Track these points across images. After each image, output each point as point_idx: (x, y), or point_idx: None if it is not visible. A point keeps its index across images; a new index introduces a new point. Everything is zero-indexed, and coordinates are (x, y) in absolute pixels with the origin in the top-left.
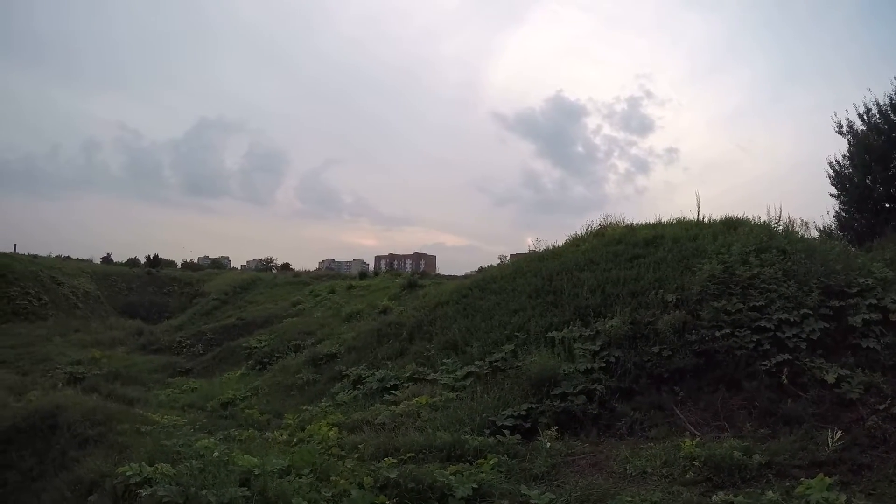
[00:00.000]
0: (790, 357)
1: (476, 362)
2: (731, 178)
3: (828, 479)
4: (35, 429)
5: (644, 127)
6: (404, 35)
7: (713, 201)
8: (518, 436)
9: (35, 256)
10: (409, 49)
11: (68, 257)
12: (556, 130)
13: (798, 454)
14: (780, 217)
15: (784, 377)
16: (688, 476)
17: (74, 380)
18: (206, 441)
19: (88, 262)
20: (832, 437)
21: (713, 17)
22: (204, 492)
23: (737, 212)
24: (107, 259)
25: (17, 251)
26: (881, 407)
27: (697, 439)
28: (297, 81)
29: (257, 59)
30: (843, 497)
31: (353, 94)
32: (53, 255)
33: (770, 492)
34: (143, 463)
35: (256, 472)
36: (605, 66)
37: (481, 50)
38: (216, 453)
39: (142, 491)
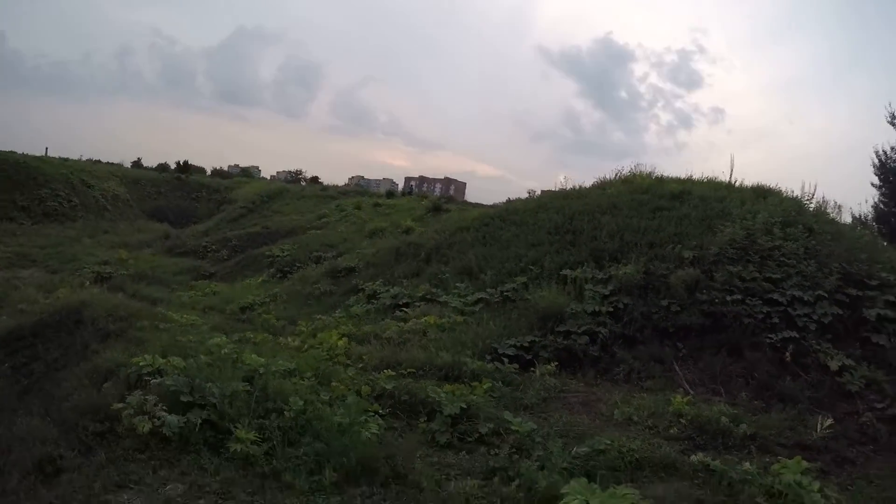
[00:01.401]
0: (797, 336)
1: (488, 289)
2: (774, 148)
3: (805, 463)
4: (61, 323)
5: (692, 82)
6: None
7: (751, 168)
8: (516, 365)
9: (66, 159)
10: None
11: (99, 161)
12: (601, 72)
13: (785, 433)
14: (813, 195)
15: (787, 354)
16: (671, 431)
17: (101, 279)
18: (218, 339)
19: (119, 165)
20: (822, 424)
21: None
22: (209, 384)
23: (772, 181)
24: (137, 164)
25: (48, 154)
26: (879, 405)
27: (689, 397)
28: None
29: None
30: (817, 485)
31: (400, 10)
32: (84, 158)
33: (748, 463)
34: (157, 355)
35: (261, 371)
36: (661, 14)
37: None
38: (225, 350)
39: (153, 380)
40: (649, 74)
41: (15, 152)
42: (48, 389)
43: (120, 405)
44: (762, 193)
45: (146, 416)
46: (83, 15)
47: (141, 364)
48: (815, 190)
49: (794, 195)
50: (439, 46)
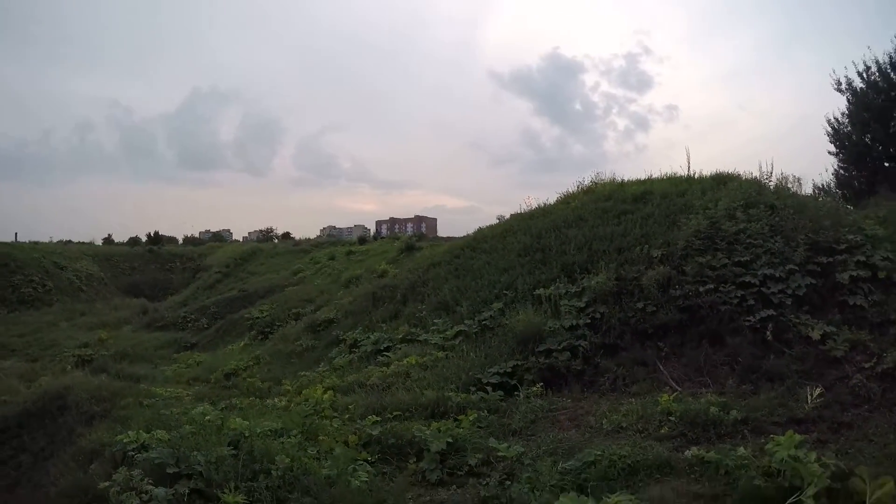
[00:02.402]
0: (775, 313)
1: (465, 321)
2: (731, 137)
3: (797, 437)
4: (45, 411)
5: (643, 83)
6: None
7: (713, 160)
8: (500, 392)
9: (36, 243)
10: (401, 9)
11: (70, 241)
12: (553, 88)
13: (777, 411)
14: (771, 173)
15: (768, 333)
16: (662, 431)
17: (83, 362)
18: (202, 408)
19: (90, 244)
20: (811, 395)
21: None
22: (194, 453)
23: (735, 169)
24: (108, 240)
25: (17, 239)
26: (867, 365)
27: (675, 395)
28: (290, 49)
29: (248, 27)
30: (813, 455)
31: (347, 59)
32: (55, 240)
33: (742, 448)
34: (141, 430)
35: (246, 434)
36: (603, 22)
37: (475, 8)
38: (208, 418)
39: (137, 455)
40: (600, 83)
41: None
42: (36, 479)
43: (106, 483)
44: (722, 181)
45: (133, 492)
46: (37, 93)
47: (125, 441)
48: (772, 168)
49: (754, 177)
50: (392, 87)
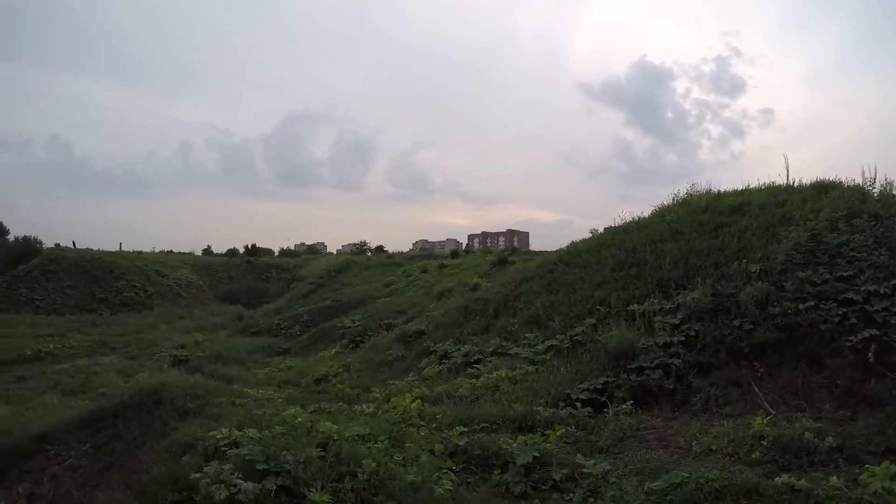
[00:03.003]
0: (878, 333)
1: (557, 336)
2: (829, 137)
3: (893, 468)
4: (141, 404)
5: (735, 88)
6: (480, 13)
7: (812, 165)
8: (589, 408)
9: (139, 252)
10: (487, 26)
11: (171, 251)
12: (643, 97)
13: (874, 439)
14: (874, 178)
15: (870, 355)
16: (753, 455)
17: (179, 362)
18: (293, 410)
19: (190, 254)
20: None
21: None
22: (284, 452)
23: (834, 174)
24: (207, 251)
25: (122, 249)
26: None
27: (769, 418)
28: (379, 69)
29: (335, 53)
30: None
31: (435, 76)
32: (157, 250)
33: (835, 478)
34: (233, 428)
35: (335, 437)
36: (689, 26)
37: (557, 20)
38: (299, 420)
39: (229, 451)
40: (691, 89)
41: (92, 249)
42: (129, 466)
43: (197, 475)
44: (823, 189)
45: (223, 485)
46: (141, 117)
47: (218, 437)
48: (875, 173)
49: (856, 183)
50: (481, 102)
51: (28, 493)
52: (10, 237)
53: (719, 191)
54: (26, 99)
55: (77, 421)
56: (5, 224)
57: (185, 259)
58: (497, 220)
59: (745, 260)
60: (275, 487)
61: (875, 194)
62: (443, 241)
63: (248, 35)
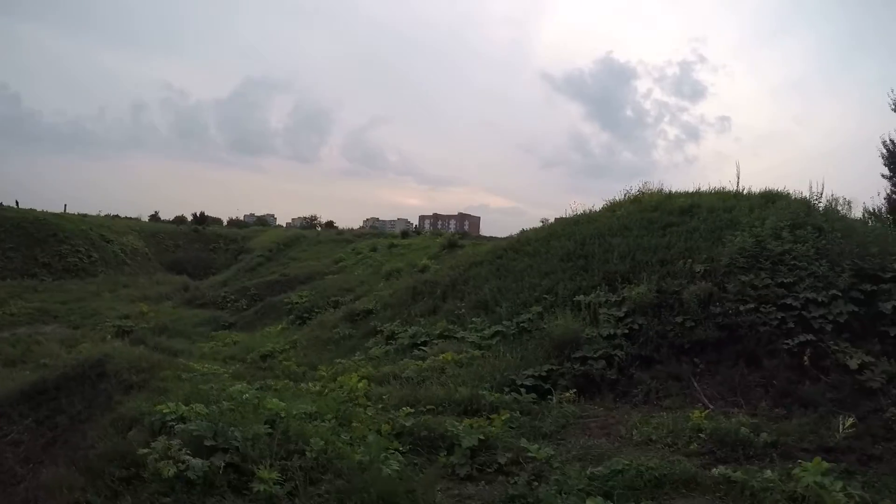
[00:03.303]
0: (814, 338)
1: (504, 322)
2: (784, 151)
3: (825, 464)
4: (84, 376)
5: (696, 93)
6: None
7: (763, 175)
8: (534, 395)
9: (84, 216)
10: (456, 8)
11: (117, 216)
12: (605, 93)
13: (808, 437)
14: (821, 193)
15: (806, 358)
16: (692, 447)
17: (123, 333)
18: (239, 386)
19: (137, 220)
20: (843, 424)
21: None
22: (232, 429)
23: (784, 185)
24: (154, 217)
25: (66, 211)
26: None
27: (707, 412)
28: (343, 42)
29: (302, 20)
30: (840, 484)
31: (400, 54)
32: (102, 213)
33: (769, 471)
34: (180, 403)
35: (282, 415)
36: (658, 28)
37: (528, 9)
38: (245, 396)
39: (176, 426)
40: (653, 90)
41: (35, 210)
42: (73, 441)
43: (145, 451)
44: (770, 199)
45: (171, 461)
46: (95, 72)
47: (165, 411)
48: (822, 188)
49: (803, 196)
50: (443, 85)
51: None
52: None
53: (671, 191)
54: None
55: (18, 393)
56: None
57: (132, 224)
58: (449, 202)
59: (690, 260)
60: (223, 464)
61: (820, 208)
62: (394, 221)
63: None
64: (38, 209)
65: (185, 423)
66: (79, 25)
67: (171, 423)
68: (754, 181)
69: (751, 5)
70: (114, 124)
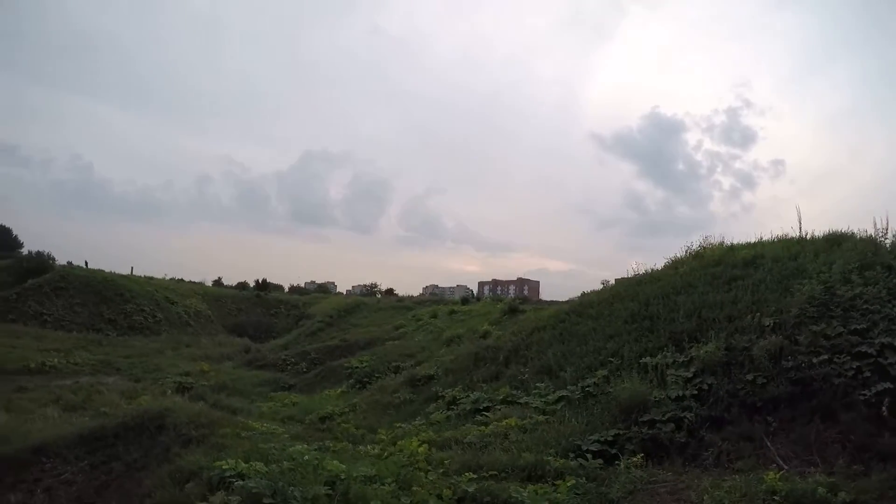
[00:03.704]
0: (892, 386)
1: (568, 387)
2: (840, 187)
3: None
4: (143, 427)
5: (746, 139)
6: (492, 62)
7: (823, 215)
8: (600, 460)
9: (150, 278)
10: (499, 76)
11: (182, 279)
12: (655, 148)
13: (888, 493)
14: (886, 229)
15: (884, 408)
16: None
17: (183, 389)
18: (300, 447)
19: (200, 284)
20: None
21: (808, 16)
22: (291, 488)
23: (845, 224)
24: (218, 282)
25: (134, 273)
26: None
27: (782, 473)
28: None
29: (357, 92)
30: None
31: (449, 124)
32: (168, 277)
33: None
34: (239, 460)
35: (342, 477)
36: (700, 77)
37: (572, 70)
38: (307, 457)
39: (235, 482)
40: (703, 141)
41: (103, 270)
42: (127, 487)
43: None
44: (835, 241)
45: None
46: (163, 146)
47: (224, 467)
48: (887, 224)
49: (869, 235)
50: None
51: None
52: (24, 251)
53: (732, 243)
54: (53, 120)
55: (76, 437)
56: (20, 238)
57: (195, 288)
58: (508, 267)
59: (758, 313)
60: None
61: (888, 245)
62: (453, 287)
63: (270, 77)
64: (107, 270)
65: (243, 479)
66: (148, 104)
67: (229, 480)
68: (816, 224)
69: (788, 43)
70: (179, 195)
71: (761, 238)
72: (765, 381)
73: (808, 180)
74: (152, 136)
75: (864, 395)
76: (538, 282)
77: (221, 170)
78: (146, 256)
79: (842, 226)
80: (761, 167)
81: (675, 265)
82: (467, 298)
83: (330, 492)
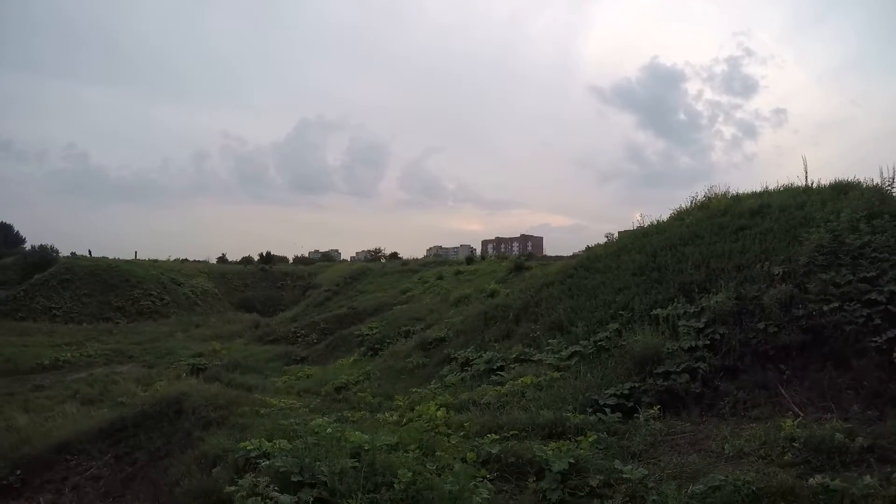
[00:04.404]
0: None
1: (581, 342)
2: (845, 137)
3: None
4: (162, 414)
5: (747, 88)
6: (486, 23)
7: (827, 165)
8: (619, 414)
9: (155, 261)
10: (493, 35)
11: (186, 259)
12: (655, 99)
13: None
14: (893, 178)
15: (895, 355)
16: (786, 457)
17: (197, 370)
18: (321, 420)
19: (205, 262)
20: None
21: None
22: (317, 463)
23: (851, 174)
24: (222, 259)
25: (138, 257)
26: None
27: (799, 420)
28: (390, 76)
29: (349, 58)
30: None
31: (445, 83)
32: (172, 258)
33: (868, 476)
34: (263, 439)
35: (366, 447)
36: (700, 26)
37: (567, 25)
38: (329, 430)
39: (261, 462)
40: (703, 91)
41: (108, 258)
42: (153, 476)
43: (232, 488)
44: (842, 189)
45: (259, 498)
46: (155, 127)
47: (248, 448)
48: (893, 173)
49: (875, 184)
50: (492, 109)
51: None
52: (27, 246)
53: (738, 193)
54: (44, 109)
55: (97, 430)
56: (21, 233)
57: (201, 267)
58: (510, 225)
59: (767, 262)
60: (312, 500)
61: (894, 194)
62: (457, 247)
63: (259, 47)
64: (111, 257)
65: (269, 459)
66: (135, 85)
67: (255, 460)
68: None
69: None
70: (177, 174)
71: (767, 187)
72: (776, 329)
73: (811, 130)
74: (144, 117)
75: (875, 341)
76: (541, 237)
77: (218, 145)
78: (149, 239)
79: (847, 175)
80: (763, 116)
81: (680, 216)
82: (472, 258)
83: (356, 463)
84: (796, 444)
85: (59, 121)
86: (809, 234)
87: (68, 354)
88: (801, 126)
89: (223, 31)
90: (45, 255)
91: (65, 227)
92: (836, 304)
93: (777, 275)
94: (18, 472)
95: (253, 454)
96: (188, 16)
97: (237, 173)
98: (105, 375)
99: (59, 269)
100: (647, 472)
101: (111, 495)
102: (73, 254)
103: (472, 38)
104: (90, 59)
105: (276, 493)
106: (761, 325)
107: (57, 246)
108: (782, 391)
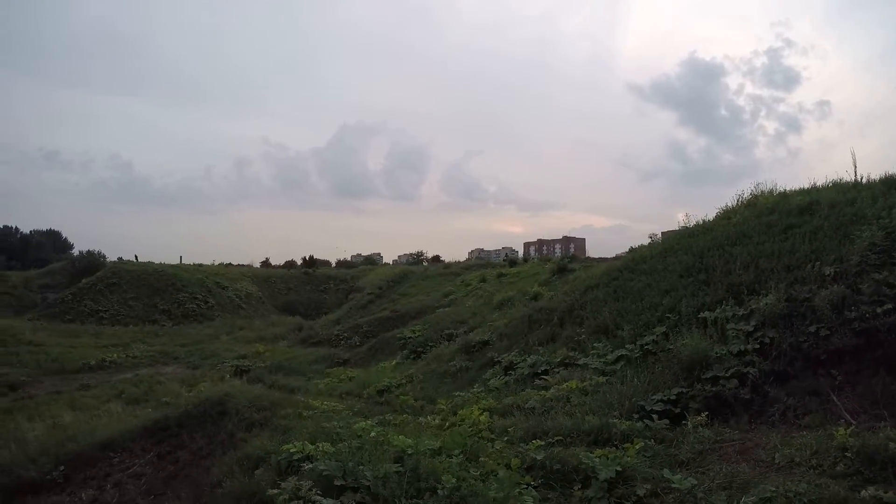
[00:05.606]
0: None
1: (627, 346)
2: (892, 127)
3: None
4: (205, 414)
5: (789, 80)
6: (522, 23)
7: (874, 156)
8: (666, 421)
9: (200, 265)
10: (530, 36)
11: (230, 264)
12: (695, 95)
13: None
14: None
15: None
16: (838, 468)
17: (240, 372)
18: (364, 423)
19: (249, 266)
20: None
21: None
22: (361, 467)
23: None
24: (266, 263)
25: (183, 262)
26: None
27: (851, 428)
28: (426, 79)
29: (385, 62)
30: None
31: (480, 84)
32: (216, 263)
33: None
34: (306, 442)
35: (410, 452)
36: (737, 18)
37: (604, 22)
38: (372, 434)
39: (304, 465)
40: (744, 85)
41: (153, 262)
42: (195, 476)
43: (275, 491)
44: (893, 184)
45: (301, 501)
46: (197, 136)
47: (291, 450)
48: None
49: None
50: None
51: (92, 500)
52: (75, 252)
53: (785, 190)
54: (90, 121)
55: (141, 429)
56: (70, 239)
57: (245, 271)
58: (551, 226)
59: (818, 262)
60: None
61: None
62: (499, 250)
63: (300, 53)
64: (157, 262)
65: (312, 462)
66: (177, 95)
67: (298, 463)
68: (869, 166)
69: None
70: (220, 181)
71: (815, 183)
72: (828, 332)
73: (856, 121)
74: (187, 126)
75: None
76: (584, 239)
77: (259, 151)
78: (194, 245)
79: (892, 168)
80: (806, 109)
81: (726, 215)
82: (514, 260)
83: (399, 468)
84: (849, 454)
85: (103, 132)
86: (861, 231)
87: (114, 355)
88: (846, 118)
89: (260, 41)
90: (92, 260)
91: (111, 234)
92: (890, 306)
93: (828, 275)
94: (62, 467)
95: (296, 457)
96: (228, 28)
97: (279, 179)
98: (150, 376)
99: (106, 274)
100: (696, 482)
101: (152, 493)
102: (119, 259)
103: (506, 37)
104: (135, 73)
105: (319, 497)
106: (812, 328)
107: (104, 252)
108: (834, 398)
